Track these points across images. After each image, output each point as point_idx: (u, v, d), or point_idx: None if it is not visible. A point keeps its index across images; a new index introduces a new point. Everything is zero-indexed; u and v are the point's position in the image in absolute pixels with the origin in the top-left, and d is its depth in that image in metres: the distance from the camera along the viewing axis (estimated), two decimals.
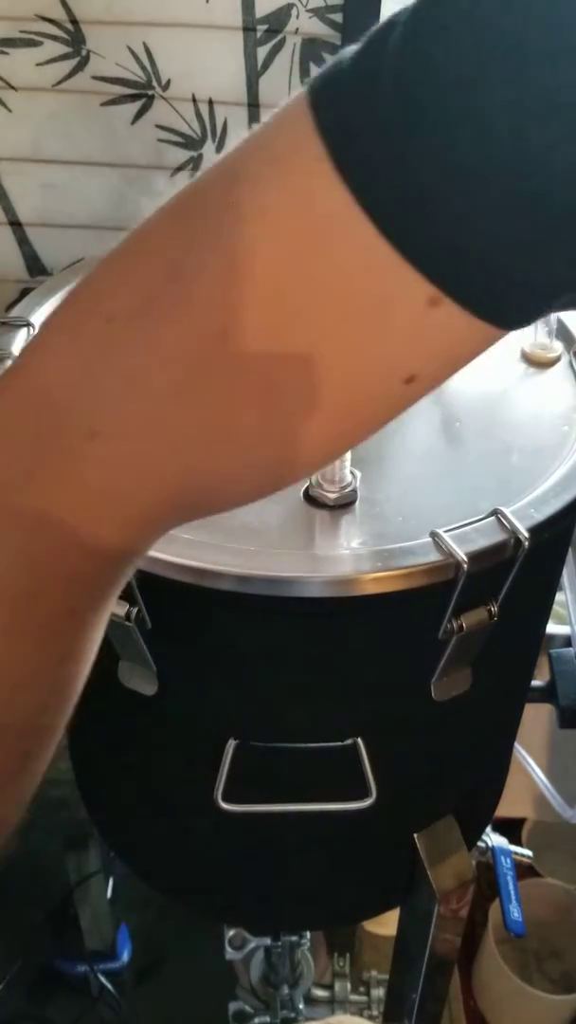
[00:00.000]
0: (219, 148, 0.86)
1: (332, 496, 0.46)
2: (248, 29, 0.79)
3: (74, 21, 0.80)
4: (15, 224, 0.93)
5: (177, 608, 0.46)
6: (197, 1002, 1.18)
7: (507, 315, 0.23)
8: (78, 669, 0.28)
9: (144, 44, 0.81)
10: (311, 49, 0.80)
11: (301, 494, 0.47)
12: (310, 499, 0.47)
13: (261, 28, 0.79)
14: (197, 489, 0.26)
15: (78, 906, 1.12)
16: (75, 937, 1.15)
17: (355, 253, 0.21)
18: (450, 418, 0.54)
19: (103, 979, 1.18)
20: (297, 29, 0.79)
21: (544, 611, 0.61)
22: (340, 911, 0.68)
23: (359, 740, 0.50)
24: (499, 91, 0.19)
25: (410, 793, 0.58)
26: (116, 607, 0.45)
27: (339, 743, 0.51)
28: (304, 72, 0.81)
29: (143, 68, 0.82)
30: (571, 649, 0.74)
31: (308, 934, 1.08)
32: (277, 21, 0.79)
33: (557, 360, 0.59)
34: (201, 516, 0.29)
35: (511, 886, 0.79)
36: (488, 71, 0.19)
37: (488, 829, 0.81)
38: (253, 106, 0.83)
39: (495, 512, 0.45)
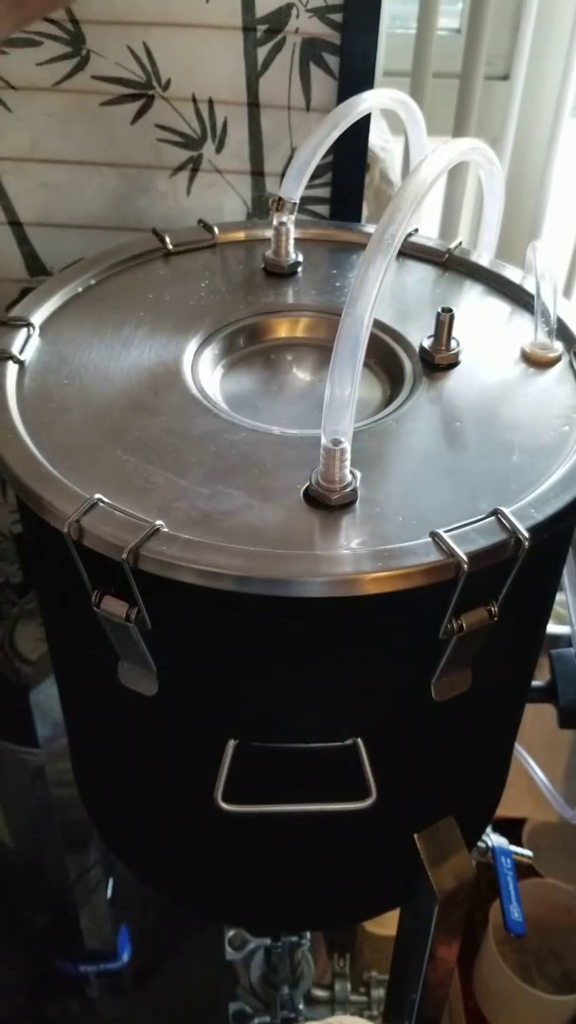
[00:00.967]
0: (219, 148, 0.86)
1: (332, 496, 0.46)
2: (248, 29, 0.79)
3: (74, 21, 0.80)
4: (15, 224, 0.93)
5: (177, 608, 0.46)
6: (197, 1002, 1.19)
7: None
8: None
9: (144, 44, 0.81)
10: (311, 49, 0.80)
11: (301, 494, 0.47)
12: (310, 499, 0.47)
13: (261, 28, 0.79)
14: None
15: (78, 906, 1.12)
16: (75, 937, 1.15)
17: None
18: (450, 418, 0.54)
19: (103, 979, 1.18)
20: (297, 29, 0.79)
21: (544, 611, 0.61)
22: (340, 911, 0.68)
23: (359, 740, 0.50)
24: None
25: (410, 793, 0.58)
26: (116, 607, 0.45)
27: (339, 743, 0.51)
28: (304, 72, 0.81)
29: (143, 68, 0.82)
30: (571, 649, 0.74)
31: (308, 934, 1.08)
32: (277, 21, 0.79)
33: (557, 360, 0.59)
34: None
35: (511, 886, 0.79)
36: None
37: (488, 829, 0.81)
38: (253, 106, 0.83)
39: (495, 512, 0.45)
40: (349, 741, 0.50)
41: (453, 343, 0.58)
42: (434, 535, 0.44)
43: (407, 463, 0.51)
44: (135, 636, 0.46)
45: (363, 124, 0.81)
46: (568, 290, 1.05)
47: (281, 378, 0.61)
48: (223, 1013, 1.09)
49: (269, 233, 0.69)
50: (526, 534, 0.44)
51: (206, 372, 0.58)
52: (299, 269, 0.69)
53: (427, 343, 0.58)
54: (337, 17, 0.78)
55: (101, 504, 0.46)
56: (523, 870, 0.95)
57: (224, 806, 0.50)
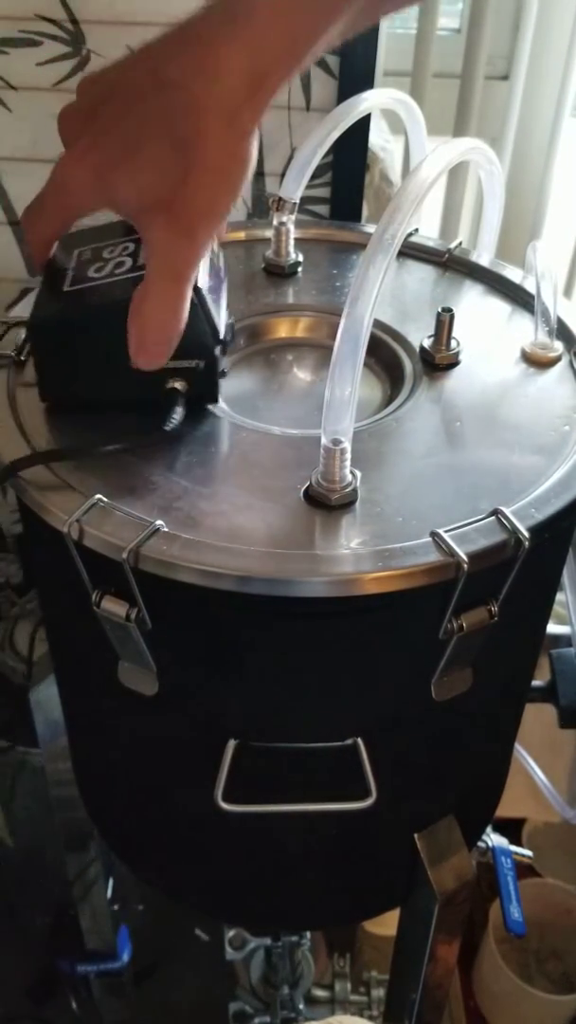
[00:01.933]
0: None
1: (332, 496, 0.46)
2: None
3: (74, 21, 0.80)
4: (15, 224, 0.92)
5: (177, 608, 0.46)
6: (197, 1002, 1.19)
7: None
8: None
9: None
10: None
11: (301, 494, 0.47)
12: (310, 499, 0.47)
13: None
14: None
15: (78, 906, 1.12)
16: (75, 937, 1.15)
17: None
18: (451, 418, 0.54)
19: (103, 979, 1.18)
20: None
21: (544, 611, 0.61)
22: (340, 911, 0.68)
23: (359, 740, 0.50)
24: None
25: (410, 793, 0.58)
26: (116, 607, 0.45)
27: (339, 743, 0.51)
28: (304, 72, 0.81)
29: None
30: (571, 649, 0.74)
31: (308, 934, 1.08)
32: None
33: (557, 360, 0.59)
34: None
35: (511, 886, 0.79)
36: None
37: (488, 829, 0.81)
38: None
39: (495, 512, 0.45)
40: (349, 741, 0.50)
41: (453, 343, 0.58)
42: (434, 535, 0.44)
43: (407, 463, 0.51)
44: (135, 636, 0.46)
45: (363, 124, 0.81)
46: (568, 290, 1.05)
47: (281, 378, 0.61)
48: (223, 1013, 1.09)
49: (269, 233, 0.69)
50: (526, 534, 0.44)
51: None
52: (299, 269, 0.69)
53: (427, 343, 0.58)
54: None
55: (101, 504, 0.46)
56: (523, 870, 0.95)
57: (224, 806, 0.50)
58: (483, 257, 0.70)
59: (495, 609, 0.46)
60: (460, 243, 0.71)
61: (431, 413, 0.55)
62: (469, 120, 0.96)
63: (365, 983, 1.15)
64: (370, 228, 0.76)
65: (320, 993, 1.13)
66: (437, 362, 0.58)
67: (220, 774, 0.50)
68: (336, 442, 0.44)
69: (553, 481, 0.48)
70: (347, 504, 0.46)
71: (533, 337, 0.59)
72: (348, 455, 0.45)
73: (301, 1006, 1.09)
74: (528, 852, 0.87)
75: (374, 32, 0.78)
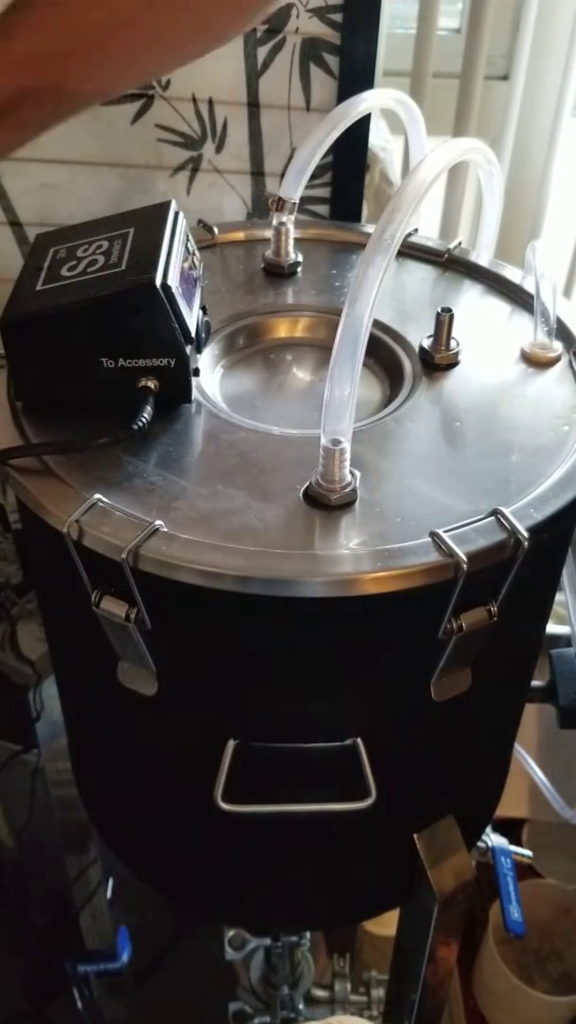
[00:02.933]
0: (219, 148, 0.86)
1: (332, 496, 0.46)
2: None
3: None
4: (15, 224, 0.92)
5: (177, 608, 0.46)
6: (197, 1002, 1.19)
7: None
8: None
9: None
10: (311, 49, 0.80)
11: (301, 494, 0.47)
12: (310, 499, 0.47)
13: (261, 28, 0.79)
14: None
15: (78, 906, 1.12)
16: (75, 937, 1.15)
17: None
18: (450, 418, 0.54)
19: (103, 979, 1.18)
20: (297, 29, 0.79)
21: (544, 611, 0.61)
22: (340, 911, 0.68)
23: (359, 740, 0.50)
24: None
25: (410, 793, 0.58)
26: (116, 607, 0.45)
27: (339, 743, 0.51)
28: (304, 72, 0.81)
29: None
30: (571, 649, 0.74)
31: (308, 934, 1.08)
32: (277, 21, 0.79)
33: (557, 360, 0.59)
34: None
35: (511, 886, 0.79)
36: None
37: (488, 829, 0.81)
38: (253, 106, 0.83)
39: (495, 512, 0.45)
40: (349, 741, 0.50)
41: (453, 343, 0.58)
42: (434, 535, 0.44)
43: (407, 463, 0.51)
44: (135, 636, 0.46)
45: (363, 124, 0.81)
46: (568, 290, 1.05)
47: (281, 378, 0.61)
48: (223, 1013, 1.09)
49: (269, 233, 0.69)
50: (525, 534, 0.44)
51: (206, 372, 0.58)
52: (299, 269, 0.69)
53: (427, 343, 0.58)
54: (337, 17, 0.78)
55: (101, 504, 0.46)
56: (523, 870, 0.95)
57: (224, 806, 0.50)
58: (482, 257, 0.70)
59: (494, 609, 0.46)
60: (460, 243, 0.71)
61: (431, 413, 0.55)
62: (469, 120, 0.96)
63: (365, 983, 1.15)
64: (370, 228, 0.76)
65: (320, 993, 1.13)
66: (437, 362, 0.58)
67: (220, 774, 0.50)
68: (336, 442, 0.44)
69: (552, 481, 0.48)
70: (347, 504, 0.46)
71: (532, 337, 0.59)
72: (348, 455, 0.45)
73: (301, 1006, 1.09)
74: (528, 852, 0.87)
75: (374, 32, 0.78)
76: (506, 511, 0.45)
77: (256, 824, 0.55)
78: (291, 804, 0.52)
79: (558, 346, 0.59)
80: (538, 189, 1.01)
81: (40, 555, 0.57)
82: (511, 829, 1.20)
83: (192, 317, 0.52)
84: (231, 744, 0.50)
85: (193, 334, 0.51)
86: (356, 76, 0.80)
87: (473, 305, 0.66)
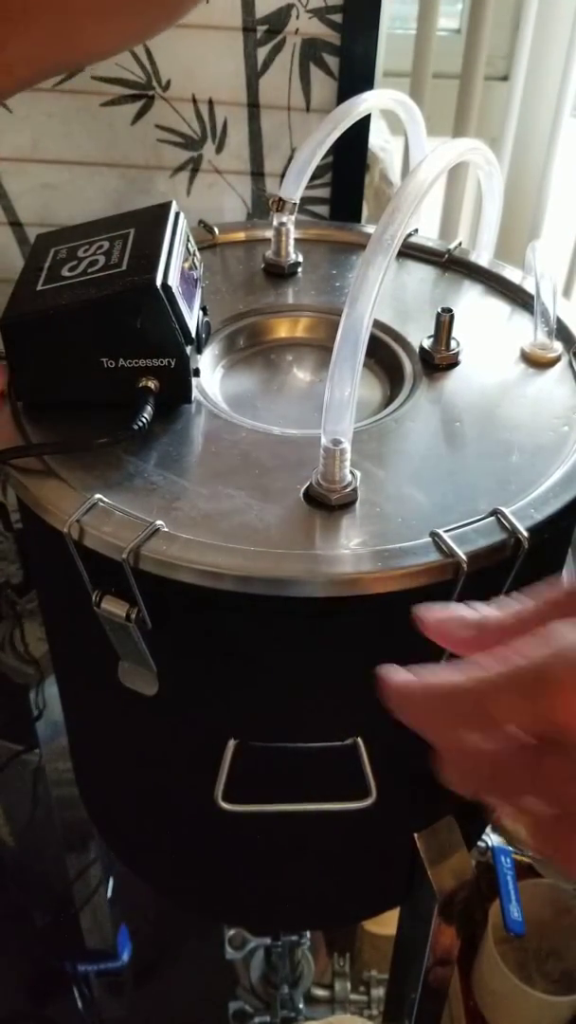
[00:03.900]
0: (219, 148, 0.86)
1: (332, 496, 0.46)
2: (248, 29, 0.79)
3: None
4: (15, 224, 0.93)
5: (177, 608, 0.46)
6: (197, 1002, 1.18)
7: None
8: None
9: (144, 44, 0.81)
10: (311, 50, 0.80)
11: (301, 494, 0.47)
12: (310, 499, 0.47)
13: (261, 28, 0.79)
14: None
15: (78, 906, 1.12)
16: (75, 937, 1.15)
17: None
18: (450, 418, 0.54)
19: (103, 979, 1.18)
20: (297, 30, 0.79)
21: None
22: (340, 911, 0.68)
23: (359, 740, 0.50)
24: None
25: (410, 793, 0.58)
26: (116, 607, 0.45)
27: (339, 743, 0.51)
28: (304, 72, 0.81)
29: (143, 68, 0.82)
30: None
31: (308, 934, 1.08)
32: (277, 21, 0.79)
33: (557, 360, 0.59)
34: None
35: (511, 886, 0.80)
36: None
37: (488, 829, 0.81)
38: (253, 106, 0.83)
39: (495, 512, 0.45)
40: (349, 741, 0.51)
41: (453, 343, 0.58)
42: (434, 535, 0.44)
43: (407, 463, 0.51)
44: (135, 636, 0.46)
45: (363, 124, 0.81)
46: (568, 290, 1.05)
47: (281, 378, 0.61)
48: (223, 1013, 1.09)
49: (269, 233, 0.69)
50: (526, 534, 0.44)
51: (206, 372, 0.58)
52: (299, 269, 0.69)
53: (427, 343, 0.58)
54: (337, 18, 0.78)
55: (101, 504, 0.46)
56: (523, 870, 0.95)
57: (224, 806, 0.50)
58: (483, 257, 0.70)
59: None
60: (460, 243, 0.71)
61: (431, 413, 0.55)
62: (469, 120, 0.96)
63: (365, 982, 1.15)
64: (370, 228, 0.76)
65: (320, 992, 1.13)
66: (437, 362, 0.58)
67: (220, 774, 0.50)
68: (336, 442, 0.45)
69: (552, 481, 0.49)
70: (347, 504, 0.46)
71: (532, 337, 0.59)
72: (348, 455, 0.45)
73: (301, 1005, 1.09)
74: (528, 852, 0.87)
75: (374, 32, 0.78)
76: (506, 511, 0.45)
77: (256, 824, 0.55)
78: (291, 804, 0.52)
79: (558, 346, 0.59)
80: (538, 189, 1.02)
81: (41, 555, 0.57)
82: None
83: (192, 317, 0.52)
84: (231, 744, 0.50)
85: (193, 334, 0.51)
86: (356, 77, 0.80)
87: (473, 305, 0.66)
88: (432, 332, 0.58)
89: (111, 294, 0.49)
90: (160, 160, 0.87)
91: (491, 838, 0.83)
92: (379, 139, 0.88)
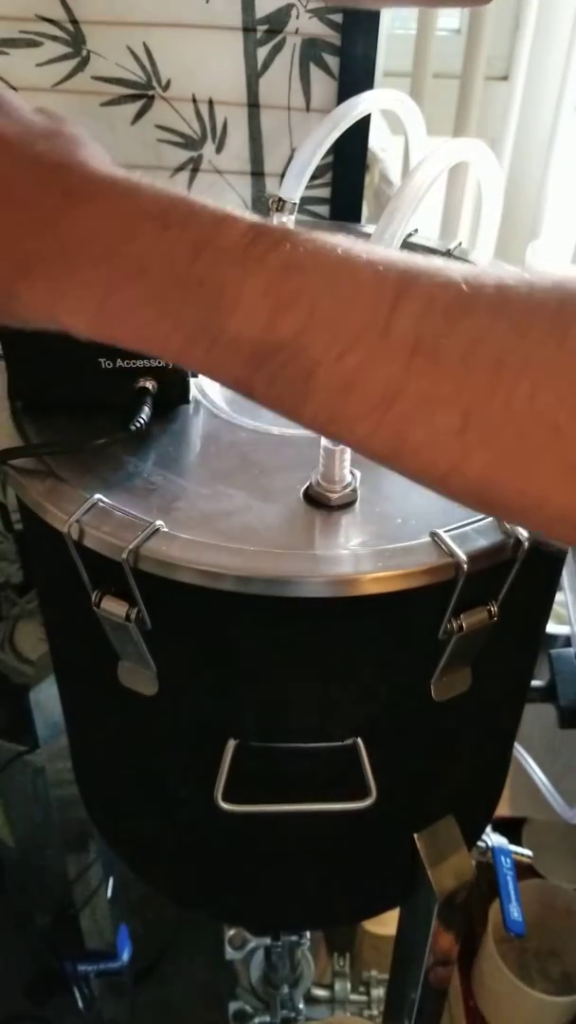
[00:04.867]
0: (219, 148, 0.86)
1: (332, 496, 0.46)
2: (248, 29, 0.79)
3: (74, 21, 0.80)
4: None
5: (177, 608, 0.46)
6: (197, 1002, 1.19)
7: None
8: None
9: (144, 44, 0.81)
10: (311, 49, 0.80)
11: (301, 494, 0.47)
12: (310, 499, 0.47)
13: (261, 28, 0.79)
14: None
15: (78, 906, 1.12)
16: (75, 937, 1.15)
17: None
18: None
19: (103, 979, 1.18)
20: (297, 29, 0.79)
21: (544, 611, 0.61)
22: (340, 911, 0.68)
23: (359, 740, 0.50)
24: None
25: (410, 793, 0.58)
26: (116, 607, 0.45)
27: (339, 743, 0.51)
28: (304, 72, 0.81)
29: (143, 68, 0.82)
30: (571, 649, 0.74)
31: (308, 934, 1.08)
32: (277, 21, 0.79)
33: None
34: None
35: (511, 886, 0.79)
36: None
37: (488, 829, 0.81)
38: (253, 106, 0.83)
39: None
40: (349, 741, 0.50)
41: None
42: (434, 535, 0.44)
43: None
44: (135, 636, 0.46)
45: (363, 124, 0.81)
46: None
47: None
48: (223, 1013, 1.09)
49: None
50: (526, 534, 0.44)
51: None
52: None
53: None
54: (337, 17, 0.78)
55: (101, 504, 0.46)
56: (523, 870, 0.95)
57: (224, 806, 0.50)
58: (482, 257, 0.70)
59: (495, 609, 0.46)
60: (460, 243, 0.71)
61: None
62: (469, 120, 0.96)
63: (365, 983, 1.15)
64: (370, 228, 0.76)
65: (320, 993, 1.13)
66: None
67: (220, 774, 0.50)
68: (336, 442, 0.44)
69: None
70: (347, 504, 0.46)
71: None
72: (348, 455, 0.45)
73: (301, 1005, 1.09)
74: (528, 852, 0.87)
75: (374, 32, 0.78)
76: None
77: (256, 824, 0.55)
78: (291, 804, 0.52)
79: None
80: (538, 189, 1.01)
81: (40, 555, 0.57)
82: (511, 829, 1.20)
83: None
84: (231, 744, 0.50)
85: None
86: (356, 76, 0.80)
87: None
88: None
89: None
90: (160, 160, 0.87)
91: (491, 838, 0.82)
92: (379, 139, 0.88)
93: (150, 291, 0.30)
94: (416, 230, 0.72)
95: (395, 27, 0.98)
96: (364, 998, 1.13)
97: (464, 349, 0.27)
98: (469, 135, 0.96)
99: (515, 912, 0.78)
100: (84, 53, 0.82)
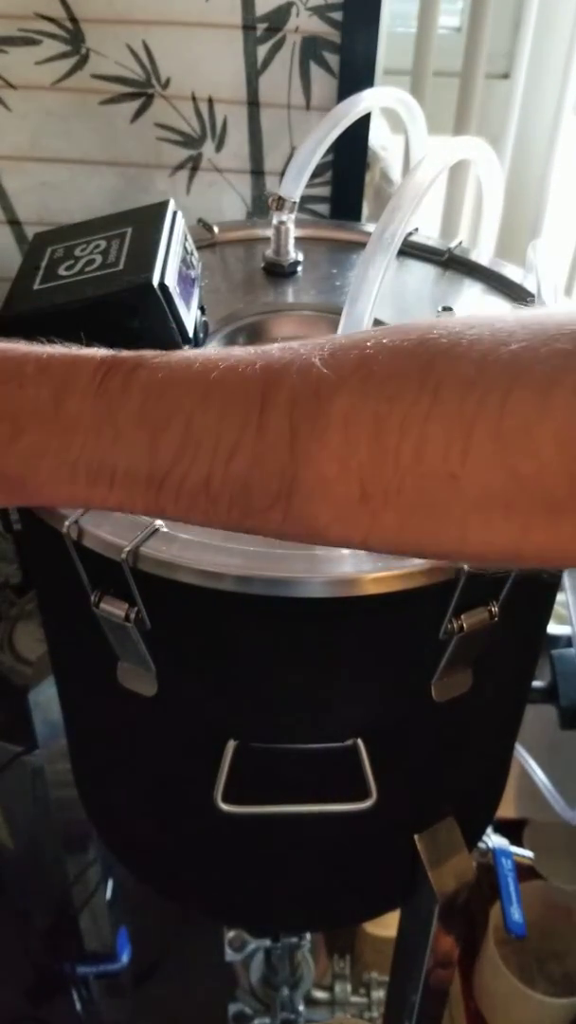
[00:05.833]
0: (219, 147, 0.86)
1: None
2: (248, 27, 0.79)
3: (73, 19, 0.80)
4: (14, 223, 0.92)
5: (177, 608, 0.46)
6: (197, 1003, 1.18)
7: None
8: None
9: (144, 42, 0.80)
10: (311, 47, 0.80)
11: None
12: None
13: (261, 26, 0.79)
14: None
15: (78, 907, 1.12)
16: (75, 937, 1.15)
17: None
18: None
19: (103, 980, 1.18)
20: (297, 27, 0.79)
21: (545, 611, 0.61)
22: (340, 912, 0.68)
23: (359, 740, 0.50)
24: None
25: (410, 794, 0.58)
26: (115, 607, 0.45)
27: (339, 743, 0.50)
28: (304, 70, 0.81)
29: (143, 66, 0.82)
30: (572, 650, 0.74)
31: (308, 935, 1.07)
32: (277, 19, 0.78)
33: None
34: None
35: (512, 887, 0.79)
36: None
37: (489, 830, 0.81)
38: (253, 105, 0.83)
39: None
40: (349, 741, 0.50)
41: None
42: None
43: None
44: (135, 636, 0.46)
45: (363, 123, 0.81)
46: (569, 289, 1.05)
47: None
48: (223, 1014, 1.09)
49: (269, 232, 0.69)
50: None
51: None
52: (299, 268, 0.69)
53: None
54: (337, 15, 0.78)
55: None
56: (524, 871, 0.95)
57: (224, 806, 0.50)
58: (483, 256, 0.69)
59: (495, 610, 0.46)
60: (460, 242, 0.70)
61: None
62: (469, 119, 0.96)
63: (365, 984, 1.15)
64: (370, 227, 0.76)
65: (320, 994, 1.13)
66: None
67: (220, 774, 0.50)
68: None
69: None
70: None
71: None
72: None
73: (301, 1007, 1.09)
74: (529, 853, 0.86)
75: (374, 31, 0.78)
76: None
77: (256, 825, 0.55)
78: (291, 804, 0.52)
79: None
80: (538, 188, 1.01)
81: (40, 555, 0.57)
82: (512, 830, 1.20)
83: (190, 317, 0.52)
84: (231, 744, 0.50)
85: (191, 334, 0.51)
86: (356, 75, 0.80)
87: (474, 304, 0.66)
88: None
89: (108, 293, 0.49)
90: (159, 158, 0.87)
91: (491, 839, 0.82)
92: (379, 138, 0.88)
93: (35, 445, 0.31)
94: (416, 229, 0.72)
95: (395, 25, 0.97)
96: (364, 1000, 1.13)
97: (341, 426, 0.28)
98: (470, 134, 0.96)
99: (516, 913, 0.78)
100: (83, 51, 0.81)
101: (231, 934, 1.04)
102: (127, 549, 0.43)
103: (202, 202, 0.89)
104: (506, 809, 0.74)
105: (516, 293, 0.66)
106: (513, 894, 0.79)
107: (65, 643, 0.62)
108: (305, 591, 0.42)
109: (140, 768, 0.60)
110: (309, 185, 0.69)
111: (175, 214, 0.55)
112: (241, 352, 0.30)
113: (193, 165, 0.87)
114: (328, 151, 0.74)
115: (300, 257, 0.69)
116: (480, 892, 1.13)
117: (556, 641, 0.80)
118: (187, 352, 0.31)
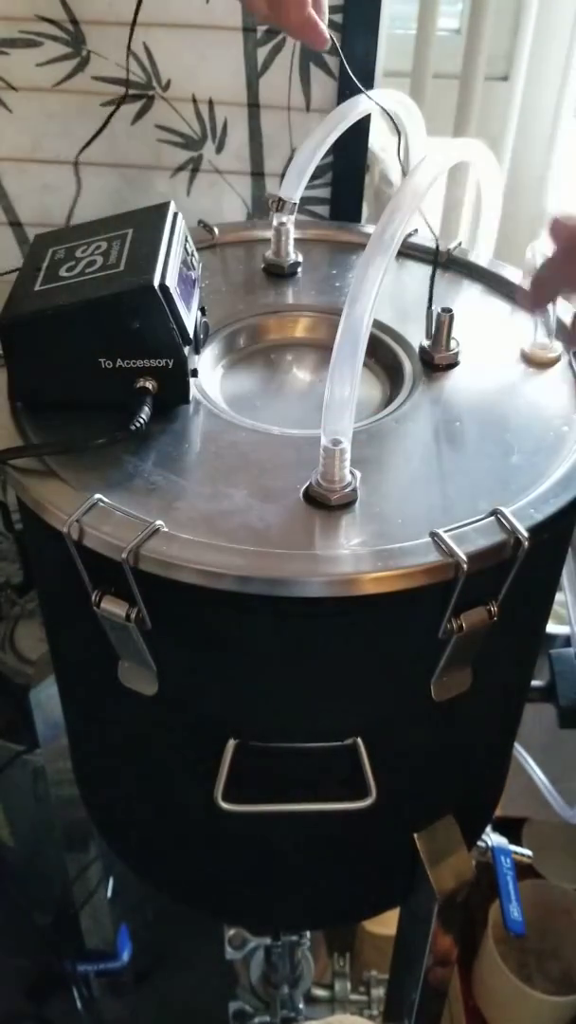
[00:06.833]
0: (219, 148, 0.86)
1: (332, 496, 0.46)
2: (248, 29, 0.79)
3: (74, 21, 0.80)
4: (15, 224, 0.93)
5: (177, 608, 0.46)
6: (197, 1002, 1.19)
7: None
8: None
9: (144, 44, 0.81)
10: (311, 50, 0.80)
11: (301, 494, 0.47)
12: (310, 499, 0.47)
13: (261, 28, 0.79)
14: None
15: (78, 906, 1.12)
16: (75, 937, 1.15)
17: None
18: (450, 418, 0.54)
19: (103, 979, 1.18)
20: None
21: (544, 611, 0.61)
22: (340, 911, 0.68)
23: (359, 740, 0.50)
24: None
25: (410, 793, 0.58)
26: (116, 607, 0.45)
27: (339, 743, 0.51)
28: (304, 72, 0.81)
29: (143, 68, 0.82)
30: (571, 649, 0.74)
31: (308, 934, 1.08)
32: None
33: (557, 360, 0.59)
34: None
35: (511, 886, 0.79)
36: None
37: (488, 829, 0.81)
38: (253, 106, 0.83)
39: (495, 512, 0.45)
40: (349, 741, 0.51)
41: (453, 343, 0.58)
42: (434, 535, 0.44)
43: (407, 463, 0.51)
44: (135, 636, 0.46)
45: (363, 125, 0.81)
46: None
47: (281, 378, 0.61)
48: (223, 1013, 1.09)
49: (269, 233, 0.69)
50: (525, 534, 0.44)
51: (206, 372, 0.58)
52: (299, 269, 0.69)
53: (427, 343, 0.58)
54: (337, 18, 0.78)
55: (101, 504, 0.46)
56: (523, 870, 0.95)
57: (224, 806, 0.50)
58: (482, 257, 0.70)
59: (495, 609, 0.46)
60: (459, 243, 0.71)
61: (430, 413, 0.55)
62: (469, 121, 0.96)
63: (365, 982, 1.15)
64: (370, 228, 0.76)
65: (320, 992, 1.13)
66: (437, 362, 0.58)
67: (220, 774, 0.50)
68: (336, 442, 0.45)
69: (552, 481, 0.49)
70: (347, 504, 0.46)
71: (532, 337, 0.59)
72: (348, 455, 0.45)
73: (301, 1005, 1.09)
74: (528, 852, 0.87)
75: (374, 32, 0.78)
76: (506, 511, 0.45)
77: (256, 824, 0.55)
78: (291, 804, 0.52)
79: (558, 346, 0.59)
80: (538, 189, 1.01)
81: (40, 555, 0.57)
82: (511, 829, 1.20)
83: (190, 318, 0.52)
84: (231, 744, 0.50)
85: (191, 335, 0.51)
86: (356, 76, 0.80)
87: (473, 305, 0.66)
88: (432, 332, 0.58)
89: (109, 295, 0.49)
90: (160, 160, 0.87)
91: (491, 838, 0.82)
92: (379, 139, 0.88)
93: None
94: (416, 230, 0.72)
95: (395, 27, 0.98)
96: (364, 998, 1.13)
97: None
98: (469, 135, 0.96)
99: (515, 912, 0.78)
100: (84, 53, 0.82)
101: (231, 932, 1.04)
102: (127, 549, 0.43)
103: (202, 203, 0.89)
104: (505, 808, 0.74)
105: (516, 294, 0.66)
106: (512, 892, 0.79)
107: (66, 642, 0.62)
108: (305, 591, 0.43)
109: (140, 767, 0.60)
110: (309, 186, 0.69)
111: (176, 215, 0.55)
112: None
113: (193, 167, 0.87)
114: (328, 153, 0.74)
115: (300, 258, 0.69)
116: (479, 890, 1.13)
117: (555, 641, 0.80)
118: None
